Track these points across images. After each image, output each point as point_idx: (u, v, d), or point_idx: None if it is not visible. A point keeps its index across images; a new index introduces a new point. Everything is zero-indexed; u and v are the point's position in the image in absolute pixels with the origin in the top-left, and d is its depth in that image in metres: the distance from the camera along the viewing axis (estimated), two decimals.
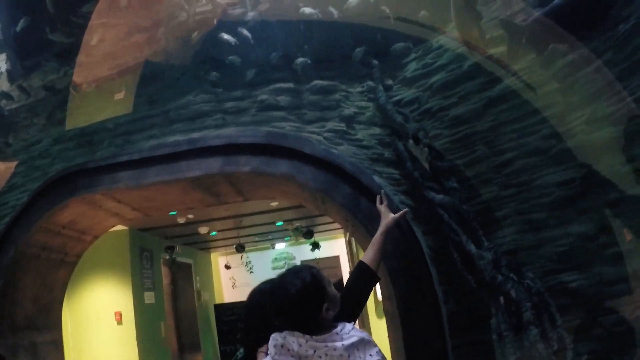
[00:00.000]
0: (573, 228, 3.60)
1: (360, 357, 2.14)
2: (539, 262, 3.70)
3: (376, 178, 4.22)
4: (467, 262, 3.79)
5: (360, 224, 4.31)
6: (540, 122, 3.78)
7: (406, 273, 4.14)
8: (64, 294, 6.33)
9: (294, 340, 2.15)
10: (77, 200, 5.19)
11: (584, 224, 3.55)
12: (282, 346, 2.15)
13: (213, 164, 4.72)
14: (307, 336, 2.16)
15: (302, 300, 2.18)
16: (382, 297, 5.38)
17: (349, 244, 11.86)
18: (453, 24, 4.25)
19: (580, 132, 3.56)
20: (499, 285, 3.57)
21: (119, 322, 8.80)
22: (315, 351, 2.12)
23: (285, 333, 2.19)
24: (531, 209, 3.78)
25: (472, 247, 3.71)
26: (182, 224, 8.98)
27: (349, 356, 2.12)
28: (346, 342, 2.14)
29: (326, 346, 2.13)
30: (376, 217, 4.21)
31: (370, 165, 4.32)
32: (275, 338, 2.18)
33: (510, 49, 3.91)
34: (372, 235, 4.19)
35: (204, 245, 13.27)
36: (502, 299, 3.62)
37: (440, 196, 3.94)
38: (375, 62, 4.71)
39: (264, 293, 2.44)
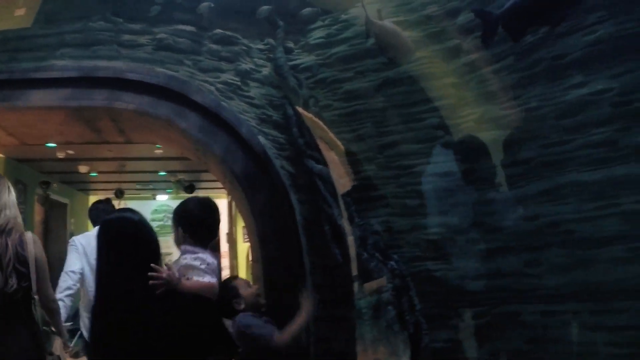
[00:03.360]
0: (446, 219, 3.69)
1: None
2: (408, 247, 3.77)
3: (261, 139, 4.15)
4: (337, 236, 3.80)
5: (236, 181, 4.25)
6: (431, 111, 3.82)
7: (277, 238, 4.11)
8: None
9: None
10: None
11: (457, 217, 3.64)
12: None
13: (98, 96, 4.45)
14: None
15: None
16: (252, 259, 5.35)
17: (229, 206, 11.75)
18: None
19: (468, 129, 3.64)
20: (363, 262, 3.61)
21: None
22: None
23: None
24: (408, 194, 3.84)
25: (343, 222, 3.72)
26: (61, 159, 8.51)
27: None
28: None
29: None
30: (251, 175, 4.17)
31: (257, 124, 4.23)
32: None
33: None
34: (247, 195, 4.14)
35: (83, 186, 12.71)
36: (364, 277, 3.67)
37: (319, 166, 3.92)
38: (281, 22, 4.59)
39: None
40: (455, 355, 3.59)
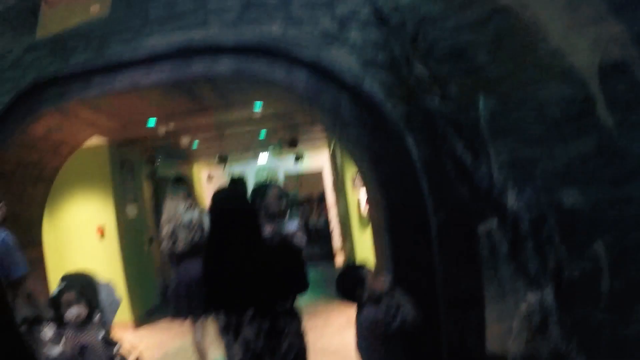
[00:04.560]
0: (573, 146, 3.44)
1: None
2: (536, 178, 3.55)
3: (368, 83, 4.00)
4: (461, 173, 3.62)
5: (347, 128, 4.17)
6: (543, 38, 3.53)
7: (396, 181, 4.00)
8: (44, 210, 6.23)
9: None
10: (51, 110, 4.95)
11: (584, 143, 3.39)
12: None
13: (195, 67, 4.44)
14: None
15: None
16: (369, 206, 5.27)
17: (332, 156, 11.73)
18: None
19: (584, 50, 3.35)
20: (495, 197, 3.42)
21: (102, 236, 8.71)
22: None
23: None
24: (532, 122, 3.59)
25: (468, 158, 3.54)
26: (162, 136, 8.73)
27: None
28: None
29: None
30: (363, 121, 4.04)
31: (362, 69, 4.06)
32: None
33: None
34: (358, 140, 4.02)
35: (186, 158, 13.05)
36: (498, 212, 3.48)
37: (437, 103, 3.71)
38: None
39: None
40: (588, 288, 3.38)
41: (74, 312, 3.83)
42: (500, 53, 3.70)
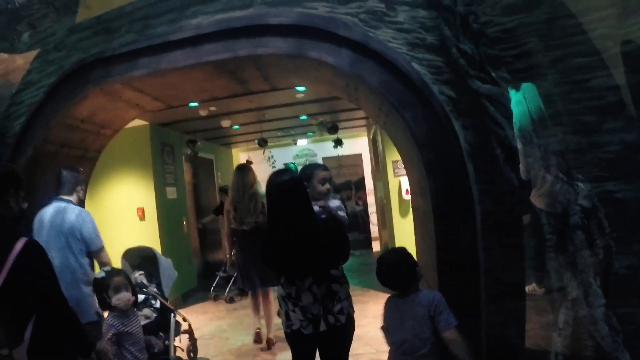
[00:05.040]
0: (622, 136, 3.31)
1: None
2: (586, 167, 3.43)
3: (415, 65, 3.91)
4: (511, 159, 3.51)
5: (394, 111, 4.05)
6: (597, 21, 3.40)
7: (442, 168, 3.91)
8: (86, 191, 6.23)
9: None
10: (96, 91, 4.96)
11: (634, 133, 3.26)
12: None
13: (239, 47, 4.39)
14: None
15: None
16: (412, 193, 5.18)
17: (372, 142, 11.63)
18: None
19: (637, 39, 3.20)
20: (545, 186, 3.31)
21: (142, 218, 8.78)
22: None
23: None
24: (582, 110, 3.46)
25: (518, 144, 3.42)
26: (203, 118, 8.74)
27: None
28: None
29: None
30: (409, 105, 3.96)
31: (409, 50, 3.96)
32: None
33: None
34: (404, 123, 3.94)
35: (226, 141, 13.11)
36: (547, 201, 3.37)
37: (487, 86, 3.59)
38: None
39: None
40: (635, 283, 3.28)
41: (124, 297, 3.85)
42: (551, 37, 3.57)
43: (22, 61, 5.15)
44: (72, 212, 4.38)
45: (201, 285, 10.34)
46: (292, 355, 3.70)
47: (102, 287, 3.88)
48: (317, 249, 3.39)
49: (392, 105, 4.00)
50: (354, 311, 3.62)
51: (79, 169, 4.78)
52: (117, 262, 4.92)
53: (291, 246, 3.41)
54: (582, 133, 3.46)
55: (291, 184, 3.45)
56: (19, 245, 2.49)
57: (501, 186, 3.69)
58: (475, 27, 3.64)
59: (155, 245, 8.24)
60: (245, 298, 8.46)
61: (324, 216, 3.59)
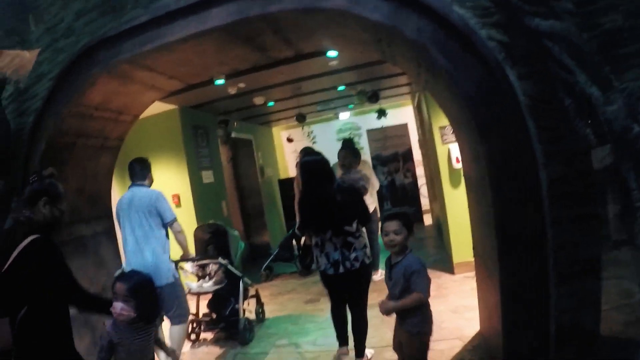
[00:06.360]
0: None
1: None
2: None
3: (457, 8, 3.24)
4: (585, 110, 2.82)
5: (436, 66, 3.43)
6: None
7: (498, 128, 3.26)
8: (111, 182, 5.98)
9: None
10: (104, 75, 4.57)
11: None
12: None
13: (248, 4, 3.83)
14: None
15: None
16: (463, 160, 4.54)
17: (417, 110, 10.95)
18: None
19: None
20: (634, 139, 2.63)
21: (178, 205, 8.53)
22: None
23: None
24: None
25: (594, 90, 2.72)
26: (234, 96, 8.26)
27: None
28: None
29: None
30: (453, 55, 3.31)
31: None
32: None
33: None
34: (449, 79, 3.33)
35: (264, 119, 12.65)
36: (635, 159, 2.69)
37: (549, 22, 2.86)
38: None
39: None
40: None
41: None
42: None
43: (33, 54, 4.82)
44: (147, 193, 5.23)
45: (246, 269, 9.96)
46: (326, 290, 4.94)
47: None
48: (336, 210, 4.57)
49: (432, 59, 3.35)
50: (370, 260, 4.72)
51: (145, 158, 5.55)
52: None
53: (315, 207, 4.69)
54: None
55: (317, 161, 4.77)
56: (27, 240, 2.90)
57: (572, 145, 3.04)
58: None
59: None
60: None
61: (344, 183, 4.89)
